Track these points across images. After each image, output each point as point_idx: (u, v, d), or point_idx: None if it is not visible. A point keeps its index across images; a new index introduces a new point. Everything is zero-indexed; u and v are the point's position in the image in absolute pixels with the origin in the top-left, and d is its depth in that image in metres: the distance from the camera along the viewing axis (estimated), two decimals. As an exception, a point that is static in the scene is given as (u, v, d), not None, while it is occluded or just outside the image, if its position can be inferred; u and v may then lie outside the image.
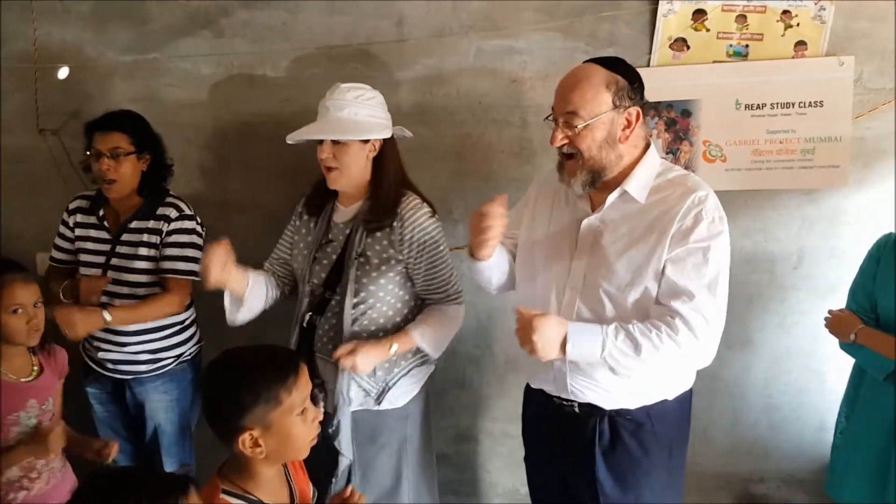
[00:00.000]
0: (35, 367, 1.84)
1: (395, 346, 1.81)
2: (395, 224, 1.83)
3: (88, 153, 2.05)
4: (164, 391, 2.16)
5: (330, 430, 1.84)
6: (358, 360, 1.75)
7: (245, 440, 1.24)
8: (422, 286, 1.89)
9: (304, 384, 1.30)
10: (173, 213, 2.07)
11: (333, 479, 1.87)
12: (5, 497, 1.74)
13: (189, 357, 2.21)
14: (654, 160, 1.59)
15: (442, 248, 1.88)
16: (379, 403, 1.89)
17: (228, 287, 1.81)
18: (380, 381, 1.88)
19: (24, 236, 2.50)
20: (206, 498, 1.21)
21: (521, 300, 1.75)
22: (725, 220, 1.52)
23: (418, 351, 1.93)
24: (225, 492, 1.25)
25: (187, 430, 2.25)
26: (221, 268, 1.71)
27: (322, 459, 1.84)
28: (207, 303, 2.21)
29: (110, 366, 2.12)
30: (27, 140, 2.43)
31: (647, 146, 1.60)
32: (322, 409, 1.83)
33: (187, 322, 2.20)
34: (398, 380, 1.90)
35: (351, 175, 1.85)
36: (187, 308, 2.20)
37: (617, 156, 1.55)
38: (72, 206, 2.17)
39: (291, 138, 1.86)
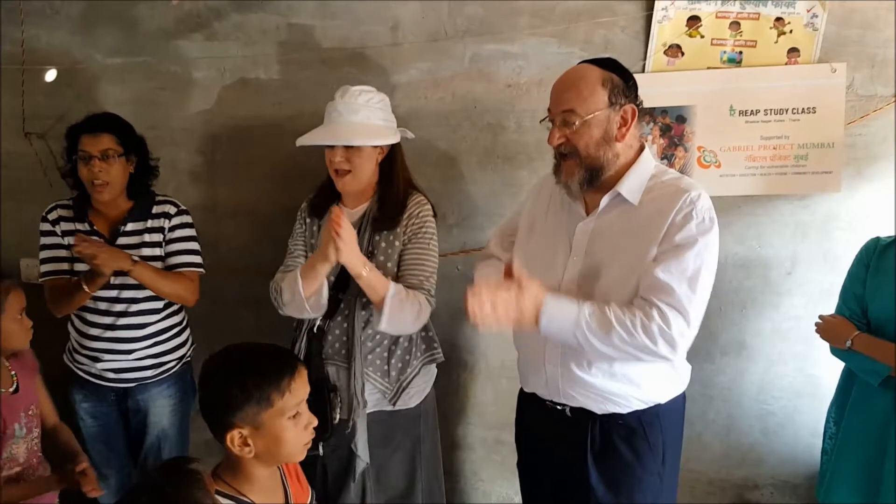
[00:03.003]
0: (13, 373, 1.78)
1: (368, 269, 1.71)
2: (402, 219, 1.84)
3: (74, 157, 1.99)
4: (168, 395, 2.15)
5: (346, 433, 1.83)
6: (342, 245, 1.65)
7: (234, 437, 1.25)
8: (402, 271, 1.84)
9: (299, 388, 1.30)
10: (172, 210, 2.08)
11: (352, 483, 1.85)
12: None
13: (189, 358, 2.21)
14: (647, 162, 1.59)
15: (433, 245, 1.87)
16: (394, 404, 1.88)
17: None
18: (394, 381, 1.87)
19: (8, 242, 2.45)
20: None
21: None
22: (716, 222, 1.51)
23: (427, 349, 1.94)
24: (217, 492, 1.24)
25: (187, 436, 2.24)
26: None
27: (340, 464, 1.86)
28: (196, 306, 2.18)
29: (113, 375, 2.08)
30: (13, 144, 2.39)
31: (642, 148, 1.60)
32: (337, 415, 1.83)
33: (184, 324, 2.21)
34: (412, 379, 1.89)
35: (363, 178, 1.86)
36: (179, 311, 2.18)
37: (614, 154, 1.54)
38: (51, 216, 2.06)
39: (304, 142, 1.82)
